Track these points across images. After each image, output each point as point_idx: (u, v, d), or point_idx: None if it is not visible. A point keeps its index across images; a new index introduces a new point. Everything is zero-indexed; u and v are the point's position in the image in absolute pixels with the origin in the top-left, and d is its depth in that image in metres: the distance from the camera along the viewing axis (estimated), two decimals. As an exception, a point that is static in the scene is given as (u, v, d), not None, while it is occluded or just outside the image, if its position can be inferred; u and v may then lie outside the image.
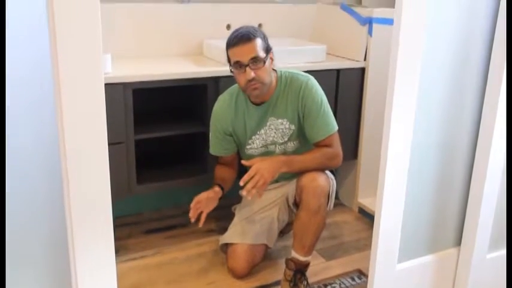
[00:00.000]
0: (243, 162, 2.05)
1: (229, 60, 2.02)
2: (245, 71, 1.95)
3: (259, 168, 1.93)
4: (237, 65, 1.97)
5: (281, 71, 2.13)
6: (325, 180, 2.02)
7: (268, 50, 2.01)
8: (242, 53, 1.95)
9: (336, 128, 2.11)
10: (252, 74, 1.95)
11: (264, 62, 1.97)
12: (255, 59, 1.95)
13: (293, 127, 2.11)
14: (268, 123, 2.12)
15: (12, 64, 1.20)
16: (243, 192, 1.95)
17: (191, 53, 2.64)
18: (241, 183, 1.95)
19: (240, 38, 1.96)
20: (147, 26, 2.52)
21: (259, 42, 1.97)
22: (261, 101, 2.10)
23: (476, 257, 2.00)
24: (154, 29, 2.54)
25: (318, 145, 2.09)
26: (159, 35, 2.55)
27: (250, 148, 2.17)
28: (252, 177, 1.92)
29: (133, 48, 2.51)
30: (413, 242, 1.97)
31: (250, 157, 2.12)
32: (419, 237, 1.99)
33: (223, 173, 2.23)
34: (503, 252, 2.07)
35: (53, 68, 1.21)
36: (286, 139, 2.13)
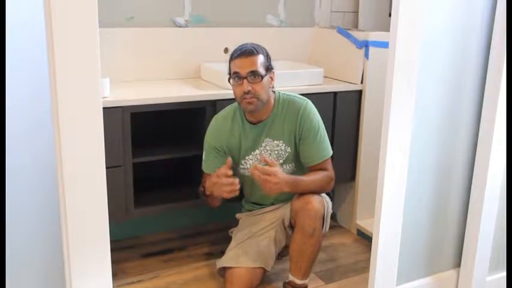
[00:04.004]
0: (252, 169, 1.95)
1: (230, 72, 2.05)
2: (242, 83, 1.98)
3: (277, 172, 1.92)
4: (236, 75, 2.01)
5: (279, 93, 2.14)
6: (320, 203, 2.01)
7: (269, 68, 2.04)
8: (242, 65, 1.99)
9: (331, 152, 2.13)
10: (249, 87, 1.97)
11: (262, 78, 2.00)
12: (254, 73, 1.98)
13: (289, 149, 2.11)
14: (263, 144, 2.12)
15: (11, 87, 1.21)
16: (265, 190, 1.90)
17: (189, 77, 2.65)
18: (262, 160, 1.89)
19: (243, 51, 2.01)
20: (146, 50, 2.54)
21: (261, 58, 2.01)
22: (257, 120, 2.11)
23: (476, 279, 1.99)
24: (153, 52, 2.56)
25: (313, 169, 2.10)
26: (157, 58, 2.57)
27: (243, 168, 2.17)
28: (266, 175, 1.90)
29: (132, 72, 2.52)
30: (411, 264, 1.96)
31: (242, 176, 2.11)
32: (417, 259, 1.98)
33: None
34: (504, 274, 2.06)
35: (51, 93, 1.22)
36: (281, 161, 2.13)
